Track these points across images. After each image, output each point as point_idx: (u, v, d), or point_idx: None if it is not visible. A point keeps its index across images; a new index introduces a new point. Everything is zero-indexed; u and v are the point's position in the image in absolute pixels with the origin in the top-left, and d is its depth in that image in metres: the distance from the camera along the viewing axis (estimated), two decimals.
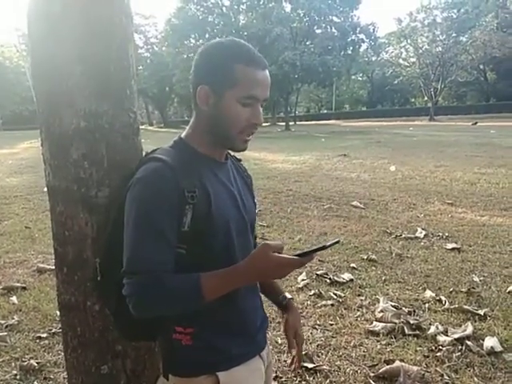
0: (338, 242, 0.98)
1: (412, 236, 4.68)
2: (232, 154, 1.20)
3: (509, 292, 3.23)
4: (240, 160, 1.26)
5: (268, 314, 1.27)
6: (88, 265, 1.23)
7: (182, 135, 1.11)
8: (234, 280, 0.96)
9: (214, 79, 1.01)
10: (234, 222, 1.08)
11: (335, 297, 3.24)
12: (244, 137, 1.05)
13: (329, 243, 0.96)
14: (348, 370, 2.37)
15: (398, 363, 2.33)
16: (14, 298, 3.32)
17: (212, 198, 1.02)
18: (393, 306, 3.01)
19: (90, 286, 1.23)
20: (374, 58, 49.62)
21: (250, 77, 0.99)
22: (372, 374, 2.31)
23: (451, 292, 3.28)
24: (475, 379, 2.24)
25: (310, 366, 2.37)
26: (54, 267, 1.39)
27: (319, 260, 3.95)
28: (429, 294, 3.23)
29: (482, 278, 3.51)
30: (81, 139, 1.18)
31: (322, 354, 2.53)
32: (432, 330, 2.69)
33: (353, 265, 3.87)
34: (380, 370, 2.31)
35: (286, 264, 0.93)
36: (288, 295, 1.32)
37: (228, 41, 1.04)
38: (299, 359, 1.30)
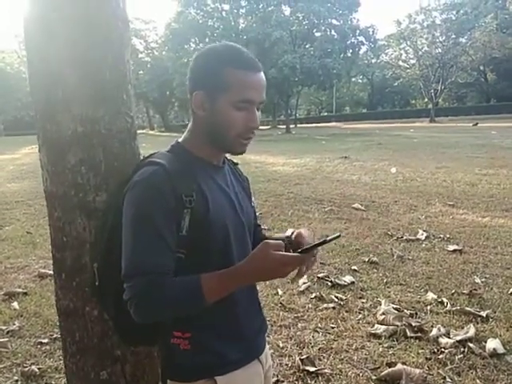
0: (339, 237, 0.97)
1: (413, 238, 4.67)
2: (229, 157, 1.20)
3: (511, 293, 3.22)
4: (236, 164, 1.26)
5: (268, 318, 1.27)
6: (86, 270, 1.23)
7: (180, 140, 1.11)
8: (235, 280, 0.95)
9: (207, 84, 1.01)
10: (232, 225, 1.08)
11: (336, 300, 3.23)
12: (242, 140, 1.05)
13: (329, 237, 0.94)
14: (350, 373, 2.35)
15: (400, 366, 2.32)
16: (15, 304, 3.32)
17: (210, 203, 1.02)
18: (394, 309, 3.00)
19: (89, 291, 1.23)
20: (373, 60, 49.61)
21: (241, 80, 0.99)
22: (374, 377, 2.30)
23: (453, 294, 3.26)
24: (478, 381, 2.23)
25: (312, 369, 2.36)
26: None
27: (320, 263, 3.94)
28: (431, 296, 3.22)
29: (483, 280, 3.50)
30: (78, 144, 1.18)
31: (324, 357, 2.52)
32: (434, 332, 2.68)
33: (354, 267, 3.86)
34: (382, 373, 2.31)
35: (288, 262, 0.91)
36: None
37: (220, 45, 1.04)
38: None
